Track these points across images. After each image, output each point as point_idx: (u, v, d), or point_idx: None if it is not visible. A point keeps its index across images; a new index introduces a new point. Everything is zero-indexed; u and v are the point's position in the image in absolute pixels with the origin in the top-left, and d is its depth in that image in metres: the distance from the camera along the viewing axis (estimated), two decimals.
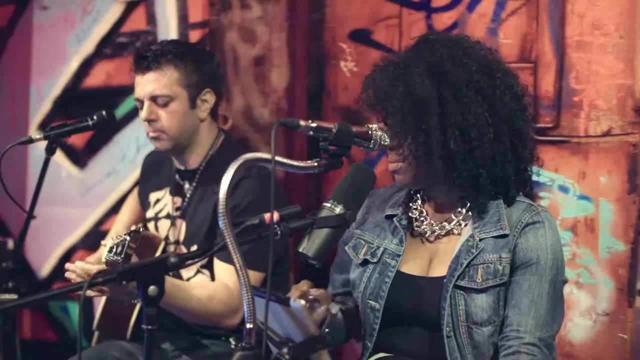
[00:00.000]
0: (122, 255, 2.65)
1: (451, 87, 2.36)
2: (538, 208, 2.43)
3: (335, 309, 2.25)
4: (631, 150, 3.13)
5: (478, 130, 2.36)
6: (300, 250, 2.07)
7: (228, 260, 3.06)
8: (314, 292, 2.29)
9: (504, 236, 2.39)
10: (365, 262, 2.50)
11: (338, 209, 2.08)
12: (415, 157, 2.38)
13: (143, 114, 3.21)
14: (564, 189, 3.23)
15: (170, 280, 2.99)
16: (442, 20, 3.52)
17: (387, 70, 2.41)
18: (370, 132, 2.19)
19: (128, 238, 2.69)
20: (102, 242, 3.13)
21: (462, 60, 2.39)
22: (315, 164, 2.10)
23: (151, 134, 3.23)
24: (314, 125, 2.07)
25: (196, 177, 3.30)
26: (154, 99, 3.19)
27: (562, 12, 3.24)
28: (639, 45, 3.11)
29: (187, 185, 3.34)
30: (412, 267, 2.45)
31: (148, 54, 3.19)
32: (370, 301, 2.45)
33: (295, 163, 2.06)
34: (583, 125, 3.20)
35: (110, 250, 2.71)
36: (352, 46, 3.75)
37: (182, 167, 3.34)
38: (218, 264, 3.14)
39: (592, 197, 3.18)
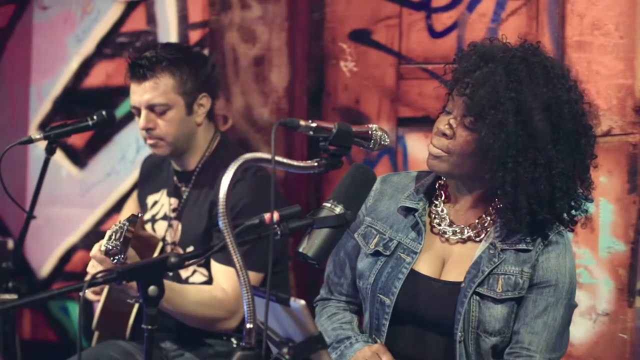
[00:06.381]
0: (121, 240, 2.59)
1: (562, 130, 2.33)
2: (560, 227, 2.42)
3: None
4: (631, 150, 3.13)
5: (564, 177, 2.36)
6: (300, 250, 2.07)
7: (224, 261, 3.06)
8: None
9: (527, 250, 2.38)
10: (376, 253, 2.48)
11: (338, 209, 2.07)
12: (471, 156, 2.35)
13: (141, 122, 3.21)
14: None
15: (166, 284, 2.98)
16: (442, 20, 3.52)
17: (497, 72, 2.32)
18: (370, 132, 2.19)
19: (127, 223, 2.63)
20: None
21: (574, 106, 2.36)
22: (315, 164, 2.09)
23: (149, 141, 3.25)
24: (314, 125, 2.07)
25: (192, 179, 3.31)
26: (151, 107, 3.20)
27: (562, 12, 3.24)
28: (639, 45, 3.11)
29: (183, 187, 3.35)
30: (425, 267, 2.44)
31: (142, 61, 3.17)
32: (381, 295, 2.43)
33: (295, 163, 2.06)
34: None
35: (109, 238, 2.65)
36: (352, 46, 3.75)
37: (179, 169, 3.36)
38: (215, 266, 3.13)
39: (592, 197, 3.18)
